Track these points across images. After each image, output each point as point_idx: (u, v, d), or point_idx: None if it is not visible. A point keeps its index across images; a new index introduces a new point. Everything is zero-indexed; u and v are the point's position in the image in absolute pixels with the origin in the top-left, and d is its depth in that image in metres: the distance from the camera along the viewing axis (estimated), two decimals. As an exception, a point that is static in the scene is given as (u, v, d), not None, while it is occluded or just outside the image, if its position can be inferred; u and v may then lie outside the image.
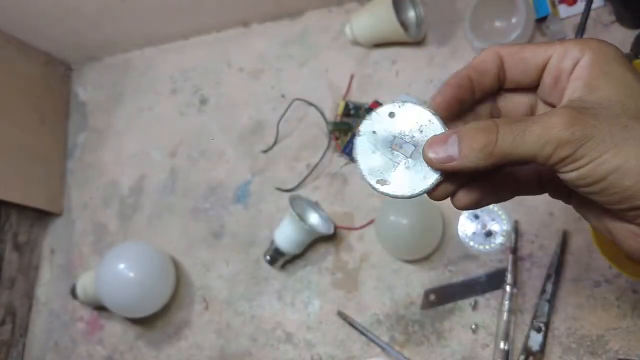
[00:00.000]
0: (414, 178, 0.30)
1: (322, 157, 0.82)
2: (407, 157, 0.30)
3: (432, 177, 0.30)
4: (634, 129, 0.26)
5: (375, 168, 0.31)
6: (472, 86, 0.31)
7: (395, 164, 0.30)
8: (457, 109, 0.31)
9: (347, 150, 0.79)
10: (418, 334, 0.71)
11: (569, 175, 0.27)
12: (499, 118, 0.32)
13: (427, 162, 0.29)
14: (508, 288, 0.66)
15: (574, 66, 0.29)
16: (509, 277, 0.66)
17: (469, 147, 0.27)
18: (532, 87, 0.32)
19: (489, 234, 0.70)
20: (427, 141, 0.30)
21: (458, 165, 0.28)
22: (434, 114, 0.30)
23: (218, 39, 0.98)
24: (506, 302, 0.65)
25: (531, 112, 0.33)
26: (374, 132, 0.32)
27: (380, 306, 0.74)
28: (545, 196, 0.35)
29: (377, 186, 0.31)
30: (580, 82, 0.29)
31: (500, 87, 0.32)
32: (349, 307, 0.76)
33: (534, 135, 0.26)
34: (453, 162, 0.28)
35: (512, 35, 0.69)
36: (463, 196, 0.31)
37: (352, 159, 0.80)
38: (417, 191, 0.30)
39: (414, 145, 0.30)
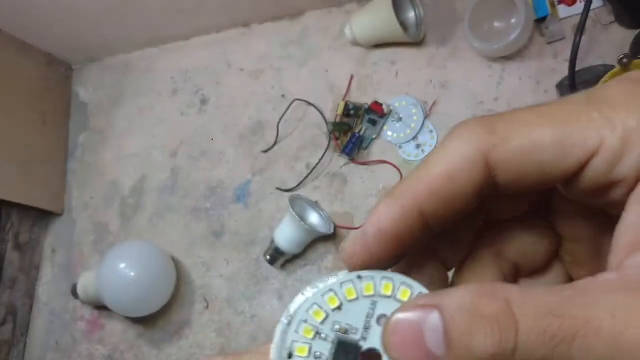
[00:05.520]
0: None
1: (322, 157, 0.82)
2: None
3: None
4: None
5: None
6: (425, 222, 0.16)
7: None
8: (395, 260, 0.17)
9: (347, 150, 0.79)
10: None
11: None
12: (512, 284, 0.16)
13: None
14: None
15: None
16: None
17: (465, 347, 0.14)
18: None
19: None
20: (388, 323, 0.15)
21: None
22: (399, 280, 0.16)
23: (218, 39, 0.98)
24: None
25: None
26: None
27: (380, 306, 0.74)
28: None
29: None
30: None
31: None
32: (348, 307, 0.76)
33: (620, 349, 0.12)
34: None
35: (511, 36, 0.69)
36: None
37: (352, 159, 0.80)
38: None
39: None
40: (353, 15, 0.82)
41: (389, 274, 0.16)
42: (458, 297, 0.14)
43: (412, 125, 0.78)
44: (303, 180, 0.82)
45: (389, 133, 0.79)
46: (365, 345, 0.16)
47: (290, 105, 0.86)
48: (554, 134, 0.14)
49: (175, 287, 0.86)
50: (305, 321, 0.16)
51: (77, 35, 1.01)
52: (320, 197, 0.82)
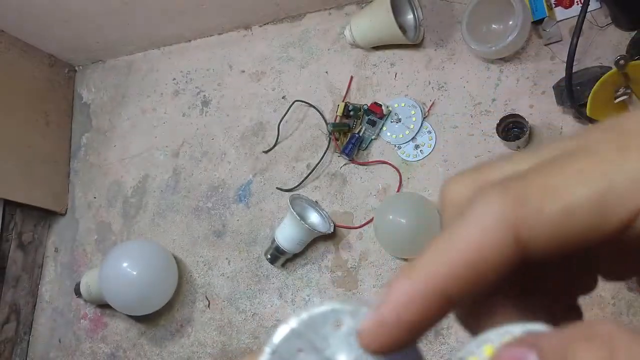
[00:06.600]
0: None
1: (322, 158, 0.83)
2: None
3: None
4: None
5: None
6: (448, 302, 0.14)
7: None
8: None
9: (347, 151, 0.80)
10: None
11: None
12: (613, 324, 0.13)
13: None
14: None
15: None
16: None
17: None
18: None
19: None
20: None
21: None
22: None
23: (220, 41, 0.99)
24: None
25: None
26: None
27: (379, 304, 0.75)
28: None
29: None
30: None
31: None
32: (348, 305, 0.77)
33: None
34: None
35: (509, 38, 0.70)
36: None
37: (352, 159, 0.81)
38: None
39: None
40: (352, 18, 0.83)
41: (472, 343, 0.14)
42: (553, 340, 0.12)
43: (411, 126, 0.79)
44: (303, 180, 0.83)
45: (388, 134, 0.80)
46: None
47: (291, 106, 0.87)
48: (591, 197, 0.12)
49: (177, 285, 0.87)
50: None
51: (80, 36, 1.02)
52: (320, 196, 0.83)
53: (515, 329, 0.14)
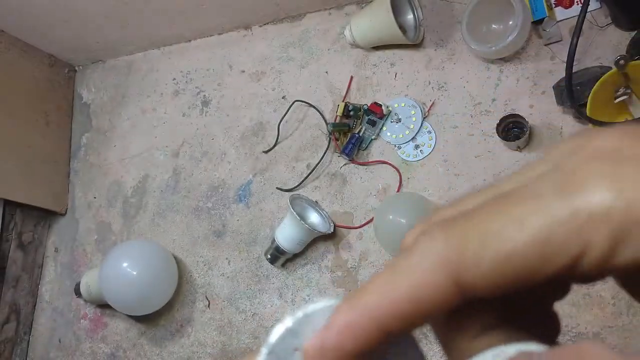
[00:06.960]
0: None
1: (322, 158, 0.83)
2: None
3: None
4: None
5: None
6: (388, 336, 0.15)
7: None
8: None
9: (347, 151, 0.80)
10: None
11: None
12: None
13: None
14: None
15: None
16: None
17: None
18: None
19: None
20: None
21: None
22: None
23: (220, 41, 0.99)
24: None
25: None
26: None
27: (379, 304, 0.75)
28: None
29: None
30: None
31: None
32: (348, 305, 0.77)
33: None
34: None
35: (508, 38, 0.70)
36: None
37: (352, 159, 0.81)
38: None
39: None
40: (352, 18, 0.83)
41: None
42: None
43: (411, 126, 0.79)
44: (303, 180, 0.83)
45: (388, 134, 0.80)
46: None
47: (291, 106, 0.87)
48: (530, 244, 0.13)
49: (177, 285, 0.87)
50: None
51: (80, 36, 1.02)
52: (320, 196, 0.83)
53: (510, 350, 0.14)
